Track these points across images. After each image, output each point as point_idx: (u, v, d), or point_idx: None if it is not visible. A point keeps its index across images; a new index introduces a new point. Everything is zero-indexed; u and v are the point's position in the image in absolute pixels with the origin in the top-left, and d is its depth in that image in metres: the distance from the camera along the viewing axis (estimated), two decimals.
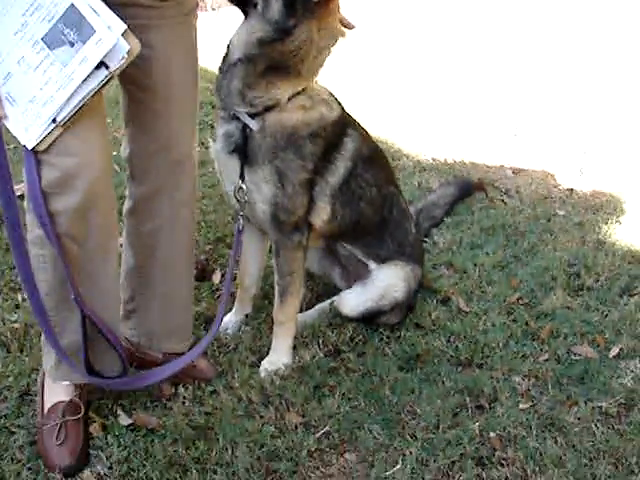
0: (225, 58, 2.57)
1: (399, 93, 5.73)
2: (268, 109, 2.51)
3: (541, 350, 2.80)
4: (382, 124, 5.01)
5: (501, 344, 2.82)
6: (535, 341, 2.85)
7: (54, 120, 2.09)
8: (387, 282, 2.87)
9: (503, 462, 2.32)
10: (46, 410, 2.46)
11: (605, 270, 3.24)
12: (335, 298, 3.06)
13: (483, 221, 3.70)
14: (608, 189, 4.16)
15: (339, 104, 2.73)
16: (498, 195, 4.04)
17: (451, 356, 2.79)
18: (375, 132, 4.84)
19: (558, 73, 6.07)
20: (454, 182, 3.98)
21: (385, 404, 2.56)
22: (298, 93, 2.53)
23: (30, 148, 2.12)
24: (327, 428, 2.48)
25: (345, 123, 2.74)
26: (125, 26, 2.04)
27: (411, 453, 2.35)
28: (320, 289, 3.22)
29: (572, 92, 5.67)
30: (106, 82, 2.11)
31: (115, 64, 2.07)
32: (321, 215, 2.73)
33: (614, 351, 2.77)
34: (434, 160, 4.56)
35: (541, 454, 2.32)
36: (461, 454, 2.34)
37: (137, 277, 2.72)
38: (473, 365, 2.75)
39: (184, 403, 2.59)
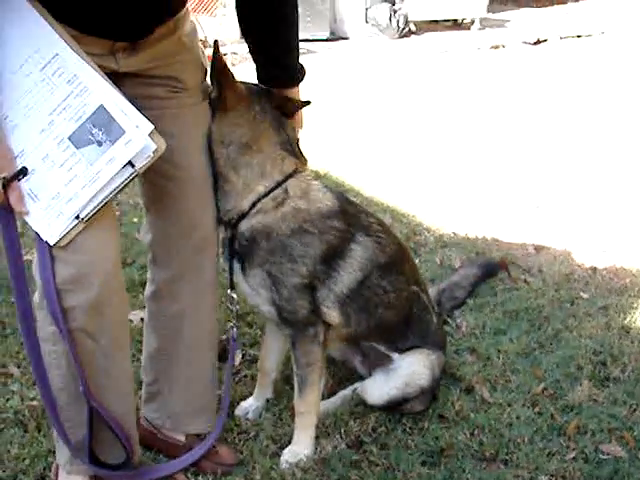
0: None
1: (420, 166, 5.81)
2: (240, 218, 2.50)
3: (567, 447, 2.72)
4: (403, 197, 5.06)
5: (526, 439, 2.75)
6: (561, 437, 2.78)
7: (77, 217, 2.10)
8: (411, 370, 2.82)
9: None
10: None
11: (632, 360, 3.19)
12: (358, 385, 3.03)
13: (507, 304, 3.67)
14: (632, 267, 4.13)
15: (335, 198, 2.59)
16: (520, 274, 4.03)
17: (475, 451, 2.73)
18: (395, 204, 4.96)
19: (579, 146, 6.12)
20: (477, 262, 3.97)
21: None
22: (268, 194, 2.49)
23: (52, 244, 2.11)
24: None
25: (350, 224, 2.59)
26: (152, 126, 2.07)
27: None
28: (342, 374, 3.20)
29: (593, 164, 5.71)
30: (131, 180, 2.14)
31: (141, 163, 2.10)
32: (329, 319, 2.65)
33: None
34: (455, 235, 4.57)
35: None
36: None
37: (160, 360, 2.73)
38: (498, 461, 2.69)
39: None
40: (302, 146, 2.65)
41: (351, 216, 2.65)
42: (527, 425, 2.84)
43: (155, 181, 2.48)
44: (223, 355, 3.25)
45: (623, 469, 2.61)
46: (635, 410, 2.91)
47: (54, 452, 2.58)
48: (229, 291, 2.68)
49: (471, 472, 2.62)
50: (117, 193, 2.15)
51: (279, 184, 2.51)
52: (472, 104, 7.33)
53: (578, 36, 13.39)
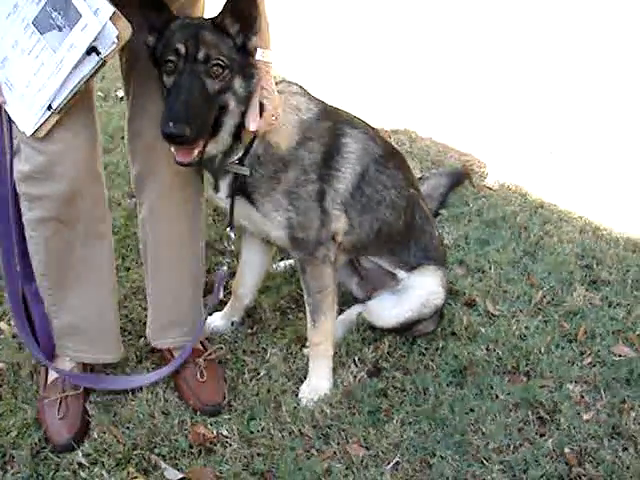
0: None
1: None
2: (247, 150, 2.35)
3: (582, 353, 2.77)
4: None
5: (542, 349, 2.76)
6: (573, 343, 2.82)
7: (50, 107, 2.03)
8: (427, 290, 2.72)
9: (584, 479, 2.28)
10: (48, 383, 2.48)
11: (614, 261, 3.27)
12: (360, 309, 2.89)
13: (483, 214, 3.63)
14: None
15: (318, 102, 2.53)
16: (480, 182, 3.98)
17: (497, 366, 2.70)
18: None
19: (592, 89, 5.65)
20: (444, 172, 3.86)
21: (448, 426, 2.43)
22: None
23: (29, 135, 2.08)
24: (397, 459, 2.32)
25: (336, 121, 2.54)
26: (113, 9, 1.94)
27: (493, 479, 2.25)
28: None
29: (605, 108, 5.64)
30: (99, 67, 2.00)
31: (106, 50, 1.96)
32: (338, 225, 2.55)
33: None
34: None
35: (619, 467, 2.29)
36: (542, 475, 2.27)
37: (145, 260, 2.62)
38: (520, 373, 2.68)
39: (230, 445, 2.35)
40: None
41: (333, 113, 2.58)
42: (538, 335, 2.84)
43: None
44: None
45: (637, 369, 2.68)
46: (631, 311, 3.00)
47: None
48: (228, 229, 2.51)
49: (498, 387, 2.59)
50: (88, 81, 2.04)
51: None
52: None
53: None
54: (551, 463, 2.31)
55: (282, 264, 3.24)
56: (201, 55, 2.10)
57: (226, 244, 2.56)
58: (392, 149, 2.85)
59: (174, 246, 2.52)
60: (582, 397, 2.58)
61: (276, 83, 2.32)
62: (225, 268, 2.56)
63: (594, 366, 2.71)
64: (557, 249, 3.35)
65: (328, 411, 2.47)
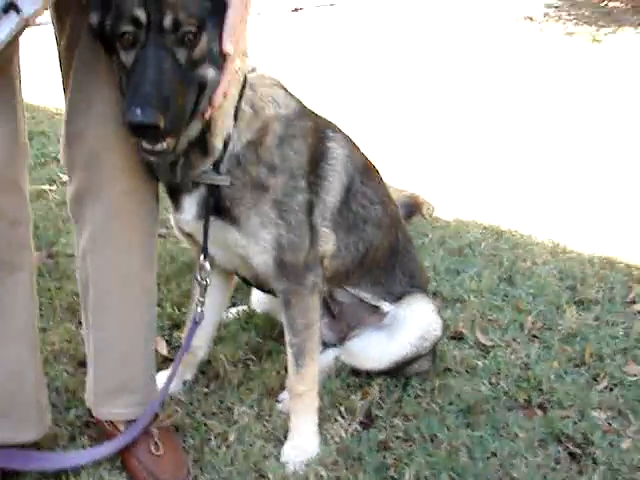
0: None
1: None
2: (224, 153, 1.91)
3: (595, 377, 2.43)
4: None
5: (552, 377, 2.40)
6: (582, 367, 2.48)
7: None
8: (425, 320, 2.32)
9: None
10: None
11: (596, 281, 3.01)
12: (335, 353, 2.44)
13: (446, 242, 3.32)
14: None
15: (297, 99, 2.12)
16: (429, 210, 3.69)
17: (506, 401, 2.31)
18: None
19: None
20: (399, 201, 3.54)
21: (472, 475, 1.99)
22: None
23: None
24: None
25: (317, 122, 2.16)
26: None
27: None
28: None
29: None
30: (20, 31, 1.56)
31: (29, 6, 1.53)
32: (327, 246, 2.14)
33: None
34: None
35: None
36: None
37: (83, 310, 2.06)
38: (534, 407, 2.30)
39: None
40: None
41: (312, 114, 2.19)
42: (542, 362, 2.49)
43: None
44: None
45: None
46: (629, 328, 2.71)
47: None
48: (202, 259, 2.04)
49: (515, 424, 2.19)
50: (5, 48, 1.57)
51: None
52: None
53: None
54: None
55: (234, 310, 2.75)
56: (168, 22, 1.61)
57: (199, 277, 2.07)
58: (368, 158, 2.44)
59: (124, 283, 1.97)
60: (610, 424, 2.22)
61: (248, 72, 1.92)
62: (200, 309, 2.07)
63: (612, 389, 2.38)
64: (534, 272, 3.06)
65: (325, 474, 1.97)
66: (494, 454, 2.08)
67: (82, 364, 2.38)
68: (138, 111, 1.54)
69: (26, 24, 1.53)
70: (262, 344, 2.57)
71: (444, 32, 9.17)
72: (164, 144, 1.66)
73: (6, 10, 1.49)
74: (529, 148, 4.77)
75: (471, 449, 2.09)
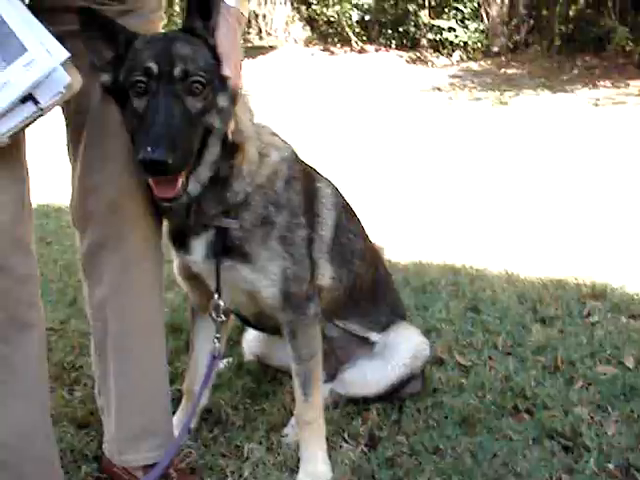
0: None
1: None
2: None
3: (570, 379, 2.64)
4: None
5: (532, 384, 2.58)
6: (557, 373, 2.69)
7: None
8: (413, 341, 2.47)
9: None
10: None
11: (553, 300, 3.28)
12: (328, 386, 2.53)
13: (410, 283, 3.51)
14: None
15: (288, 144, 2.29)
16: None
17: (496, 410, 2.46)
18: None
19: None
20: None
21: (480, 475, 2.11)
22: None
23: None
24: None
25: (305, 165, 2.34)
26: (67, 54, 1.61)
27: None
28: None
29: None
30: (33, 120, 1.64)
31: (48, 99, 1.61)
32: (325, 276, 2.29)
33: (630, 363, 2.74)
34: None
35: None
36: None
37: (98, 363, 2.11)
38: (522, 412, 2.46)
39: None
40: None
41: (299, 157, 2.34)
42: (523, 372, 2.68)
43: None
44: None
45: (628, 380, 2.58)
46: (591, 336, 2.95)
47: None
48: (215, 297, 2.13)
49: (509, 428, 2.34)
50: (15, 134, 1.63)
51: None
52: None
53: None
54: None
55: (224, 361, 2.81)
56: (178, 72, 1.78)
57: (214, 314, 2.14)
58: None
59: (144, 327, 2.04)
60: (592, 418, 2.40)
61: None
62: (218, 345, 2.14)
63: (587, 388, 2.58)
64: (496, 299, 3.30)
65: None
66: (495, 455, 2.21)
67: (82, 426, 2.42)
68: (150, 149, 1.69)
69: (41, 114, 1.62)
70: (257, 388, 2.65)
71: (359, 106, 9.75)
72: (178, 189, 1.80)
73: (23, 100, 1.57)
74: (465, 194, 5.18)
75: (474, 453, 2.21)
